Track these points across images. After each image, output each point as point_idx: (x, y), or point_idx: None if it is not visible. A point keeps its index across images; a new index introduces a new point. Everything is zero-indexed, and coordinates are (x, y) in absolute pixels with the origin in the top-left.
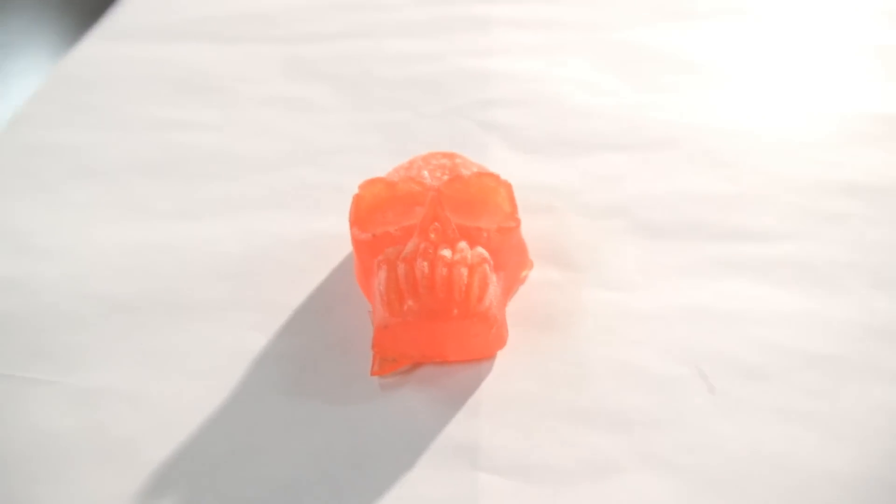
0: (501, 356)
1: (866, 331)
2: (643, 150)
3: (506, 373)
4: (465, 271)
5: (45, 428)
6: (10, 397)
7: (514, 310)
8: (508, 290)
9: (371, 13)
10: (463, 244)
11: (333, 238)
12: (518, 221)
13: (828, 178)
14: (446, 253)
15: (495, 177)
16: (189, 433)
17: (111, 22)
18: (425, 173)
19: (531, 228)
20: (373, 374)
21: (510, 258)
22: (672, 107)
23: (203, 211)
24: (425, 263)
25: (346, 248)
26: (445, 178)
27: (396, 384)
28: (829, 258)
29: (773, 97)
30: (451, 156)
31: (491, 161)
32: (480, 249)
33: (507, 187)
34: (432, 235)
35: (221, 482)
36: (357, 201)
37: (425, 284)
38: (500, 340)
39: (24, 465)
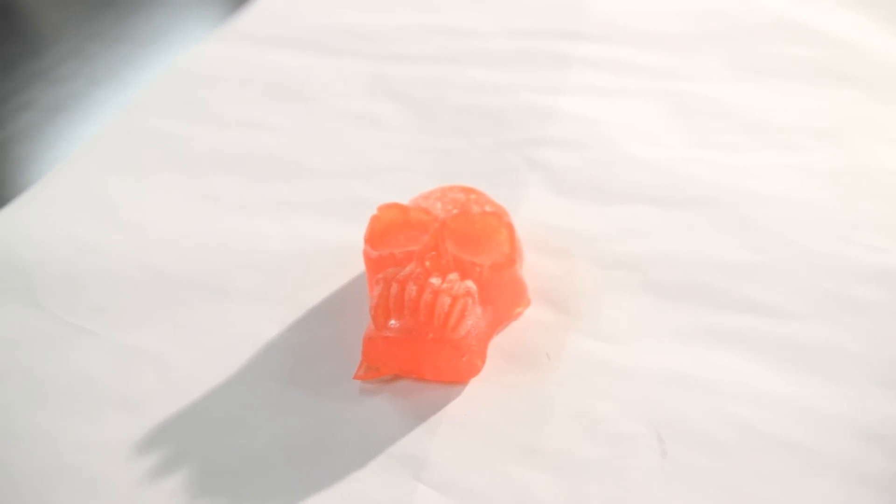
0: (473, 384)
1: (849, 428)
2: (677, 206)
3: (473, 400)
4: (447, 300)
5: (81, 370)
6: (61, 339)
7: (500, 343)
8: (496, 324)
9: (461, 39)
10: (454, 275)
11: (361, 250)
12: (513, 261)
13: (862, 261)
14: (435, 280)
15: (498, 217)
16: (192, 398)
17: (233, 25)
18: (439, 205)
19: (541, 269)
20: (355, 377)
21: (501, 294)
22: (722, 166)
23: (259, 208)
24: (414, 287)
25: None
26: (455, 211)
27: (374, 391)
28: (835, 346)
29: (830, 170)
30: (468, 191)
31: (525, 199)
32: (469, 283)
33: (510, 228)
34: (427, 263)
35: (205, 444)
36: (373, 221)
37: (410, 307)
38: (473, 369)
39: (57, 399)
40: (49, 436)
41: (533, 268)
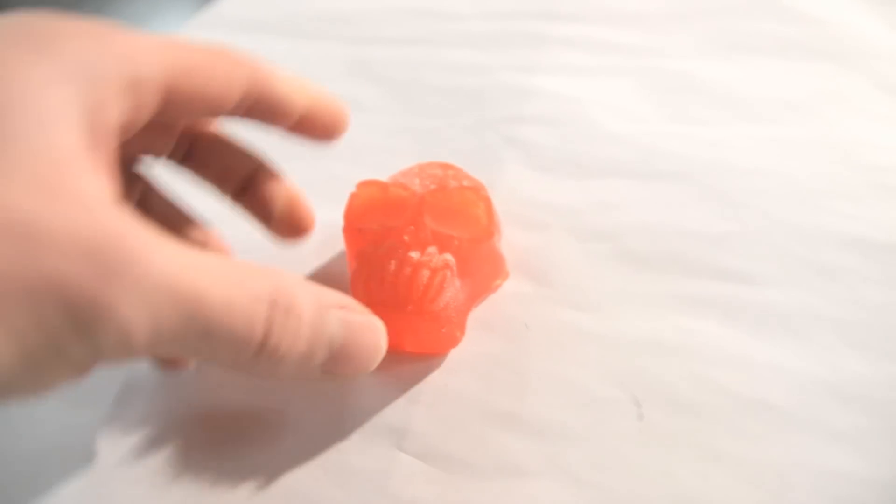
0: (454, 354)
1: (820, 387)
2: (653, 179)
3: (453, 370)
4: (426, 273)
5: None
6: None
7: (479, 314)
8: (476, 296)
9: (438, 22)
10: (432, 249)
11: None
12: (491, 234)
13: (835, 229)
14: (414, 254)
15: (476, 191)
16: (172, 376)
17: (212, 11)
18: (417, 181)
19: (520, 242)
20: None
21: (481, 267)
22: (697, 140)
23: None
24: (394, 262)
25: None
26: (433, 187)
27: None
28: (809, 310)
29: (803, 142)
30: (445, 167)
31: (503, 175)
32: (447, 256)
33: (487, 201)
34: (406, 238)
35: (187, 420)
36: (353, 199)
37: (390, 280)
38: (453, 340)
39: None
40: (34, 417)
41: (511, 241)
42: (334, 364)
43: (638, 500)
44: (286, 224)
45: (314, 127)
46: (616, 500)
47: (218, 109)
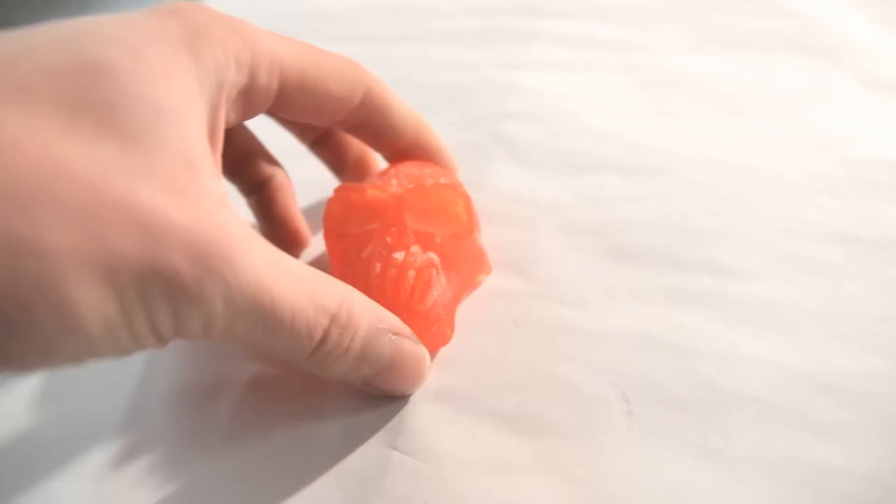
0: (443, 352)
1: (807, 381)
2: (639, 174)
3: (443, 368)
4: (412, 273)
5: None
6: None
7: (467, 311)
8: (461, 292)
9: (425, 19)
10: (415, 248)
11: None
12: (472, 230)
13: (818, 224)
14: (398, 255)
15: (454, 188)
16: (162, 375)
17: None
18: (394, 181)
19: (507, 238)
20: None
21: (464, 263)
22: (682, 135)
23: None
24: (378, 264)
25: None
26: (410, 186)
27: None
28: (794, 304)
29: (786, 137)
30: (421, 165)
31: (490, 172)
32: (431, 254)
33: (466, 198)
34: (389, 239)
35: (177, 420)
36: (331, 204)
37: (376, 283)
38: (443, 338)
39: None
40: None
41: (498, 238)
42: (376, 380)
43: (628, 496)
44: (356, 171)
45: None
46: (607, 496)
47: (333, 114)
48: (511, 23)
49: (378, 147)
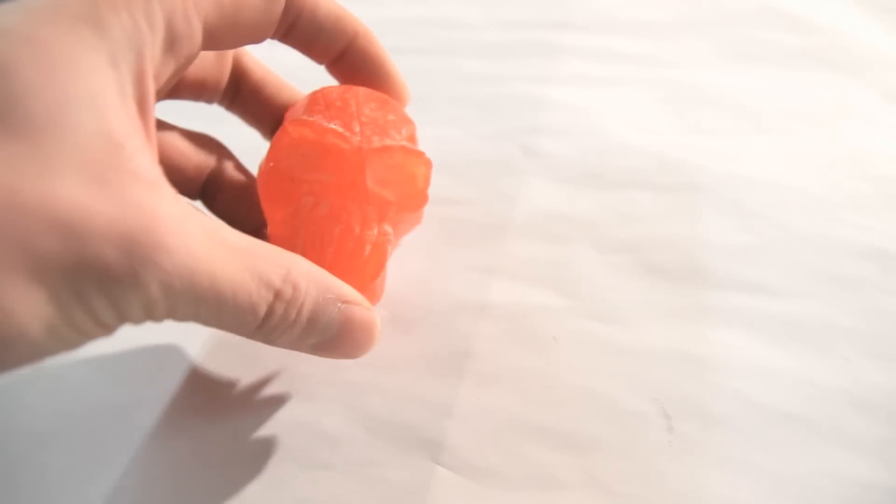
0: (483, 368)
1: (844, 398)
2: (671, 191)
3: (485, 383)
4: (368, 248)
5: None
6: None
7: (505, 326)
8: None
9: (452, 31)
10: (374, 223)
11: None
12: (425, 202)
13: (851, 240)
14: (356, 226)
15: (420, 156)
16: (190, 384)
17: None
18: (357, 127)
19: (543, 255)
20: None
21: (406, 227)
22: (711, 151)
23: None
24: (337, 230)
25: None
26: (375, 139)
27: (387, 375)
28: (829, 321)
29: (815, 153)
30: (382, 102)
31: (523, 186)
32: (387, 227)
33: (428, 166)
34: (348, 204)
35: (216, 428)
36: (282, 136)
37: (332, 252)
38: (375, 299)
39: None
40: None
41: (534, 253)
42: (324, 347)
43: None
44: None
45: (357, 68)
46: None
47: (259, 36)
48: (538, 36)
49: (313, 54)
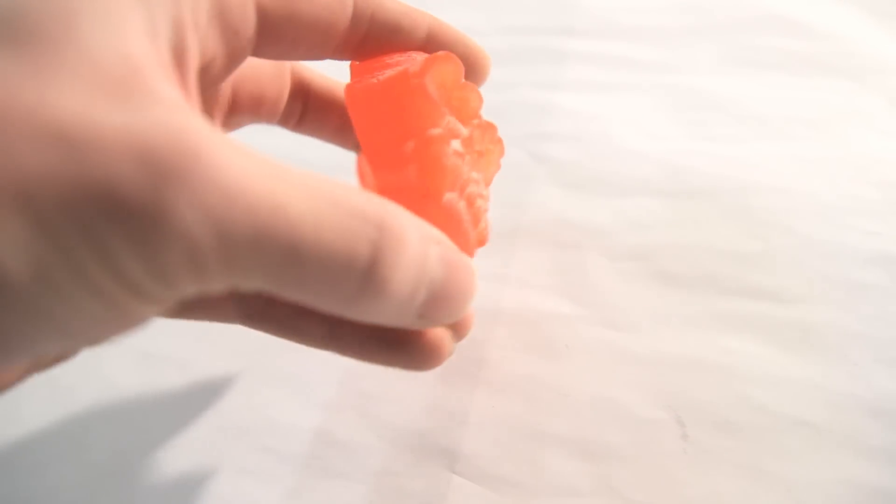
0: (497, 375)
1: (857, 404)
2: (680, 198)
3: (499, 391)
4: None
5: (105, 377)
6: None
7: (517, 333)
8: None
9: None
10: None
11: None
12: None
13: (861, 246)
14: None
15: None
16: (216, 400)
17: None
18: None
19: (553, 262)
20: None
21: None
22: (719, 157)
23: None
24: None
25: None
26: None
27: (400, 384)
28: (839, 327)
29: (822, 159)
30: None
31: (533, 193)
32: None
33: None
34: (467, 131)
35: (236, 445)
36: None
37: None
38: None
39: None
40: (76, 440)
41: (544, 260)
42: (433, 305)
43: None
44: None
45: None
46: None
47: (327, 36)
48: (545, 42)
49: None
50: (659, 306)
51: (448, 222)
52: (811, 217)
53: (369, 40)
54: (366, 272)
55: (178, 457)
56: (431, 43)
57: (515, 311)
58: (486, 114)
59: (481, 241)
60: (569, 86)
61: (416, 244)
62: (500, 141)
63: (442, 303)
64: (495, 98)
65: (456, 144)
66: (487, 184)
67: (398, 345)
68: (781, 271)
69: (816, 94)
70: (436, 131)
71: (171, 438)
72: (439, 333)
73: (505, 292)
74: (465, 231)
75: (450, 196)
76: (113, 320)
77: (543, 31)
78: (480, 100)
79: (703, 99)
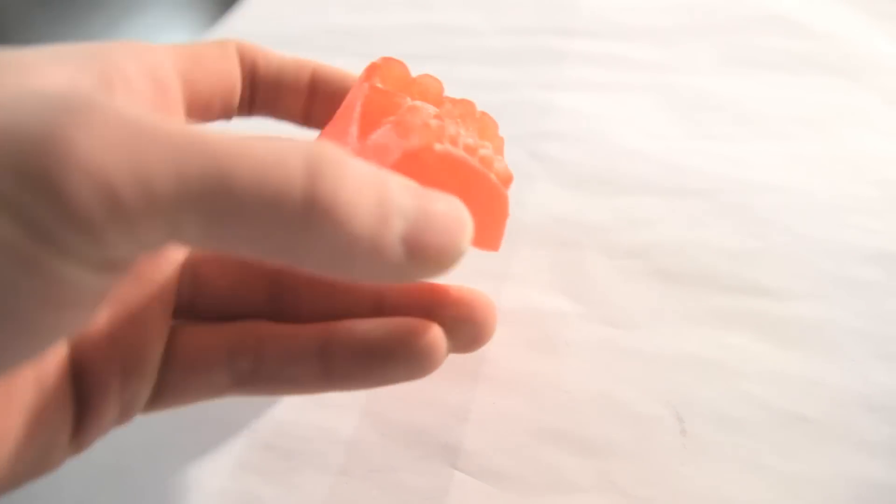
0: (498, 372)
1: (856, 400)
2: (678, 196)
3: (499, 387)
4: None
5: None
6: None
7: (517, 331)
8: None
9: (456, 38)
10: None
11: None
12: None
13: (858, 243)
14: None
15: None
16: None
17: (223, 27)
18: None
19: (553, 259)
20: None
21: None
22: (719, 156)
23: None
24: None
25: None
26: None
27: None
28: (838, 324)
29: (819, 158)
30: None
31: (533, 192)
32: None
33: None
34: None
35: (239, 443)
36: (374, 69)
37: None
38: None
39: None
40: None
41: (544, 258)
42: (419, 236)
43: None
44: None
45: (329, 101)
46: None
47: (229, 96)
48: (544, 42)
49: (286, 111)
50: (658, 303)
51: (451, 166)
52: (809, 215)
53: (261, 93)
54: (306, 187)
55: (179, 455)
56: (319, 83)
57: (516, 308)
58: (485, 111)
59: (506, 180)
60: (568, 85)
61: (358, 164)
62: (486, 114)
63: (428, 235)
64: (494, 98)
65: (431, 110)
66: (497, 152)
67: (393, 354)
68: (780, 269)
69: (815, 94)
70: (407, 103)
71: (172, 437)
72: (433, 335)
73: (505, 290)
74: (475, 169)
75: (442, 146)
76: (45, 288)
77: (542, 31)
78: (439, 83)
79: (701, 98)
